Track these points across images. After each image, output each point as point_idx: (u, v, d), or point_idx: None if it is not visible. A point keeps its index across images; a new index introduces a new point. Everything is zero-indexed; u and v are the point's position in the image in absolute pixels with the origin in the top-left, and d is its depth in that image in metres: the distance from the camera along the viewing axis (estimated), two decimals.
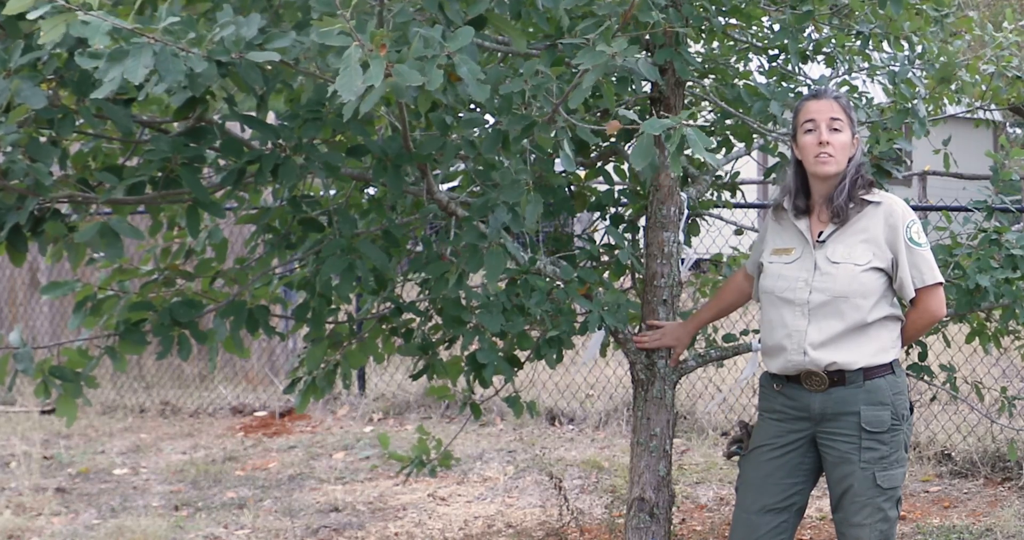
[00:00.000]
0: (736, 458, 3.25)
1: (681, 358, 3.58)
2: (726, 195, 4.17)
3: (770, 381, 3.15)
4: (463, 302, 3.33)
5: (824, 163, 2.99)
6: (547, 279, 3.32)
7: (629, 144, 3.70)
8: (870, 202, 3.03)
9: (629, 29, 2.81)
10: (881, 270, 3.01)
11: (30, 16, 2.09)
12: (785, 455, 3.10)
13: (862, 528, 3.01)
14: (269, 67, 2.48)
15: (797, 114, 3.07)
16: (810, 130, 3.01)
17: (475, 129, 2.99)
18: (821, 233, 3.06)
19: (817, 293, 3.00)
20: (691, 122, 2.45)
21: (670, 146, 2.44)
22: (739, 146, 4.08)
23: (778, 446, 3.10)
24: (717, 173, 3.98)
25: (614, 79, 3.12)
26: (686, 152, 2.68)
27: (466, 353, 3.39)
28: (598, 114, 3.73)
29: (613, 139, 3.70)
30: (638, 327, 3.60)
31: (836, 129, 2.99)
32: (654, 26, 2.87)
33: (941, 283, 3.06)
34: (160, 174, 2.72)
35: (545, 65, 2.89)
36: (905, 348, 3.84)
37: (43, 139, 2.70)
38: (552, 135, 2.81)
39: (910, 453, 3.07)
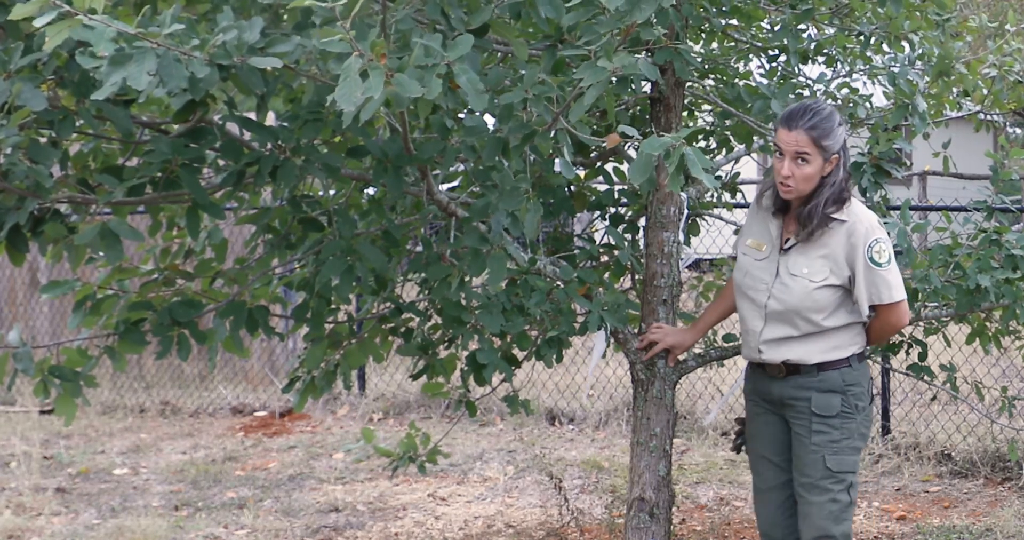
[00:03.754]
0: (744, 449, 3.41)
1: (681, 358, 3.59)
2: (726, 196, 4.16)
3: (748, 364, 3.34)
4: (463, 302, 3.33)
5: (785, 192, 3.07)
6: (547, 279, 3.32)
7: (629, 144, 3.70)
8: (837, 220, 3.06)
9: (633, 39, 2.80)
10: (837, 286, 3.09)
11: (36, 23, 2.08)
12: (770, 423, 3.27)
13: (811, 506, 3.14)
14: (270, 69, 2.48)
15: (775, 130, 3.09)
16: (778, 155, 3.05)
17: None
18: (788, 240, 3.13)
19: (774, 301, 3.12)
20: (691, 127, 2.45)
21: (669, 166, 2.45)
22: (739, 147, 4.08)
23: (762, 414, 3.28)
24: (717, 174, 3.97)
25: (613, 80, 3.11)
26: None
27: (465, 353, 3.39)
28: (597, 114, 3.73)
29: (606, 144, 3.69)
30: (637, 328, 3.60)
31: (803, 160, 3.01)
32: (655, 43, 2.87)
33: (901, 300, 3.12)
34: (160, 175, 2.72)
35: (545, 67, 2.89)
36: (905, 348, 3.86)
37: (43, 140, 2.70)
38: (551, 136, 2.81)
39: (868, 443, 3.13)
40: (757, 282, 3.15)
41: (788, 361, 3.12)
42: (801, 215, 3.06)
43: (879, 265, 3.05)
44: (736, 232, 4.60)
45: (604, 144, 2.79)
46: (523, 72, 2.82)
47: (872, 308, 3.12)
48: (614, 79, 3.08)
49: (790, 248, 3.11)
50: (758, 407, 3.27)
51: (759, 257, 3.17)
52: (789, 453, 3.22)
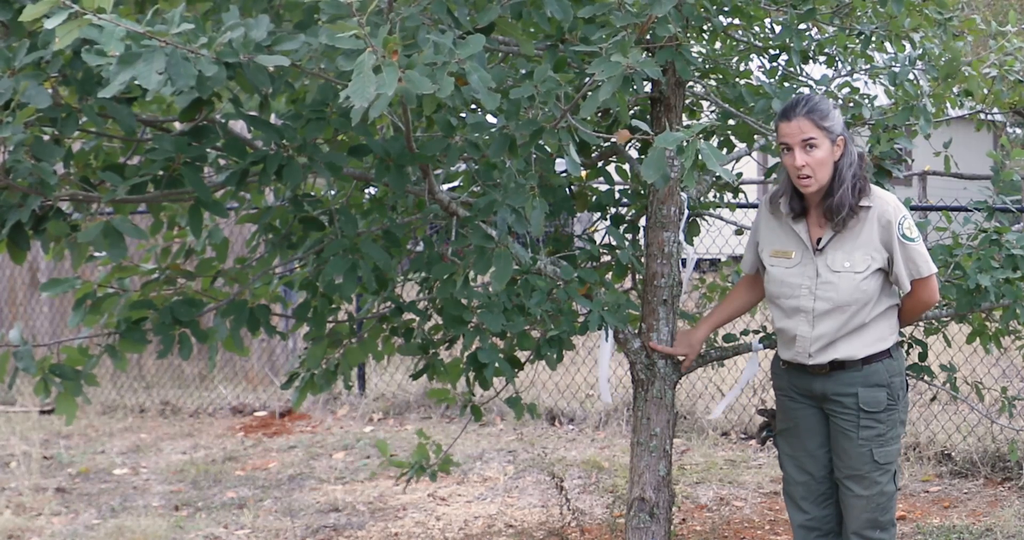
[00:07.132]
0: (770, 442, 3.43)
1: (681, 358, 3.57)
2: (728, 196, 4.16)
3: (778, 359, 3.32)
4: (464, 302, 3.33)
5: (806, 186, 3.07)
6: (548, 279, 3.32)
7: (630, 145, 3.70)
8: (863, 207, 3.10)
9: (637, 40, 2.80)
10: (879, 270, 3.12)
11: (47, 25, 2.08)
12: (808, 416, 3.26)
13: (859, 498, 3.20)
14: (274, 68, 2.48)
15: (776, 130, 3.11)
16: (786, 151, 3.06)
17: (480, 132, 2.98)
18: (820, 240, 3.13)
19: (821, 301, 3.12)
20: (701, 124, 2.44)
21: (685, 161, 2.43)
22: (740, 146, 4.07)
23: (801, 408, 3.27)
24: (718, 174, 3.96)
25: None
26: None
27: (467, 353, 3.39)
28: (599, 114, 3.72)
29: (615, 140, 3.69)
30: (638, 328, 3.60)
31: (812, 146, 3.03)
32: (669, 40, 2.87)
33: (935, 273, 3.18)
34: (162, 173, 2.72)
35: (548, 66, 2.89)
36: (905, 348, 3.85)
37: (46, 138, 2.70)
38: (555, 133, 2.81)
39: (905, 444, 3.15)
40: (795, 289, 3.14)
41: (835, 360, 3.14)
42: (829, 208, 3.06)
43: (912, 240, 3.10)
44: (737, 233, 4.61)
45: (614, 140, 2.78)
46: (524, 71, 2.82)
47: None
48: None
49: (825, 247, 3.12)
50: (795, 402, 3.27)
51: (790, 264, 3.17)
52: (829, 445, 3.24)
